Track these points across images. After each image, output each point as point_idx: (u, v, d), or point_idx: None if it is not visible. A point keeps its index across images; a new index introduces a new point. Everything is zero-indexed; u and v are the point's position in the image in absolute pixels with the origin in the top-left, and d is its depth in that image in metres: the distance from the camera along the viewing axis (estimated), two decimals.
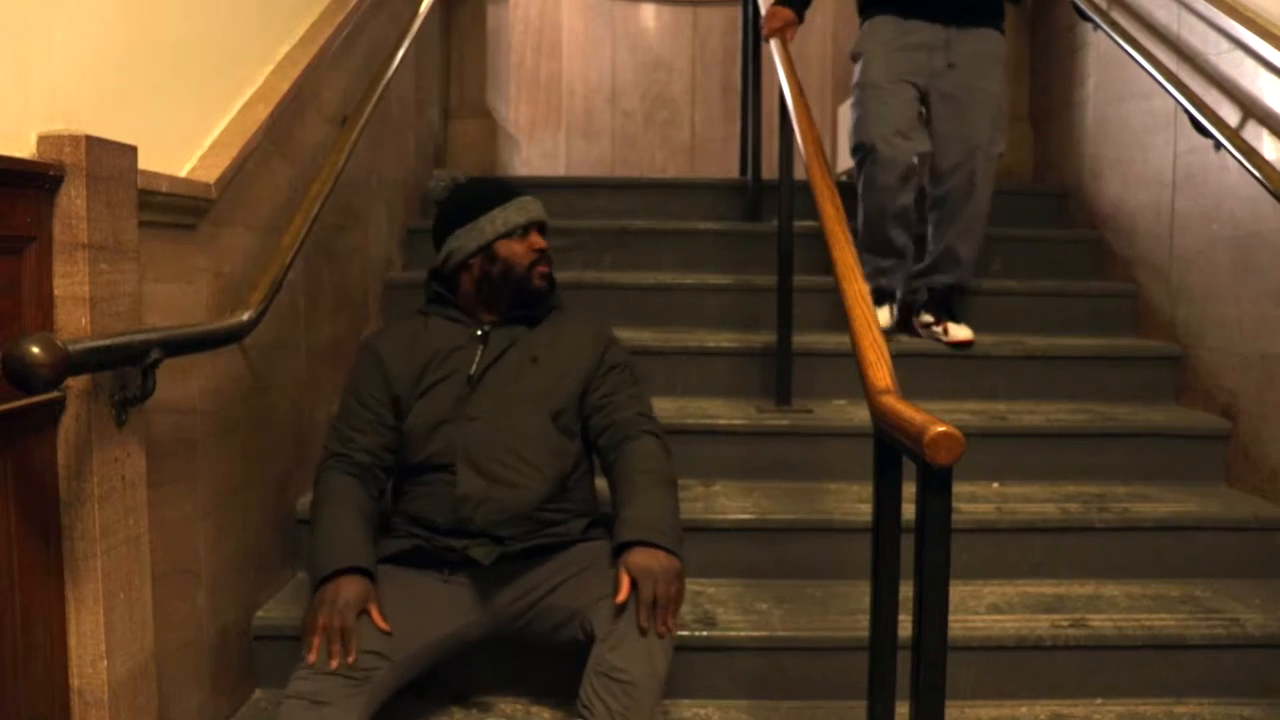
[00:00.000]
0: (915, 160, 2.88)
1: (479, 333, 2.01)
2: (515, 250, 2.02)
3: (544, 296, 2.06)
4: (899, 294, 3.06)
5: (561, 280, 3.01)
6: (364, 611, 1.73)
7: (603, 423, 2.00)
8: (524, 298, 2.03)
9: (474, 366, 1.96)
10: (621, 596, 1.73)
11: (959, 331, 2.93)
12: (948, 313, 3.00)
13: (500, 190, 2.08)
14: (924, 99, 2.93)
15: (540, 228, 2.07)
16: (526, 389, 1.96)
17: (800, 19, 3.01)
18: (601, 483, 2.06)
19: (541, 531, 1.92)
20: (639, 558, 1.76)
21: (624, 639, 1.72)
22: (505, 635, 1.95)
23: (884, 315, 2.99)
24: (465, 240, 2.02)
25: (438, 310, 2.06)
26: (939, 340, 2.94)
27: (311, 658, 1.66)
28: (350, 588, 1.73)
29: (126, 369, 1.43)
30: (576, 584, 1.86)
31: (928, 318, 3.02)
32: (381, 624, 1.71)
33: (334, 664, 1.65)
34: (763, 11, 3.17)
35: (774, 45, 2.87)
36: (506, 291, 2.02)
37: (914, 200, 2.94)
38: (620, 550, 1.80)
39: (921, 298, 3.06)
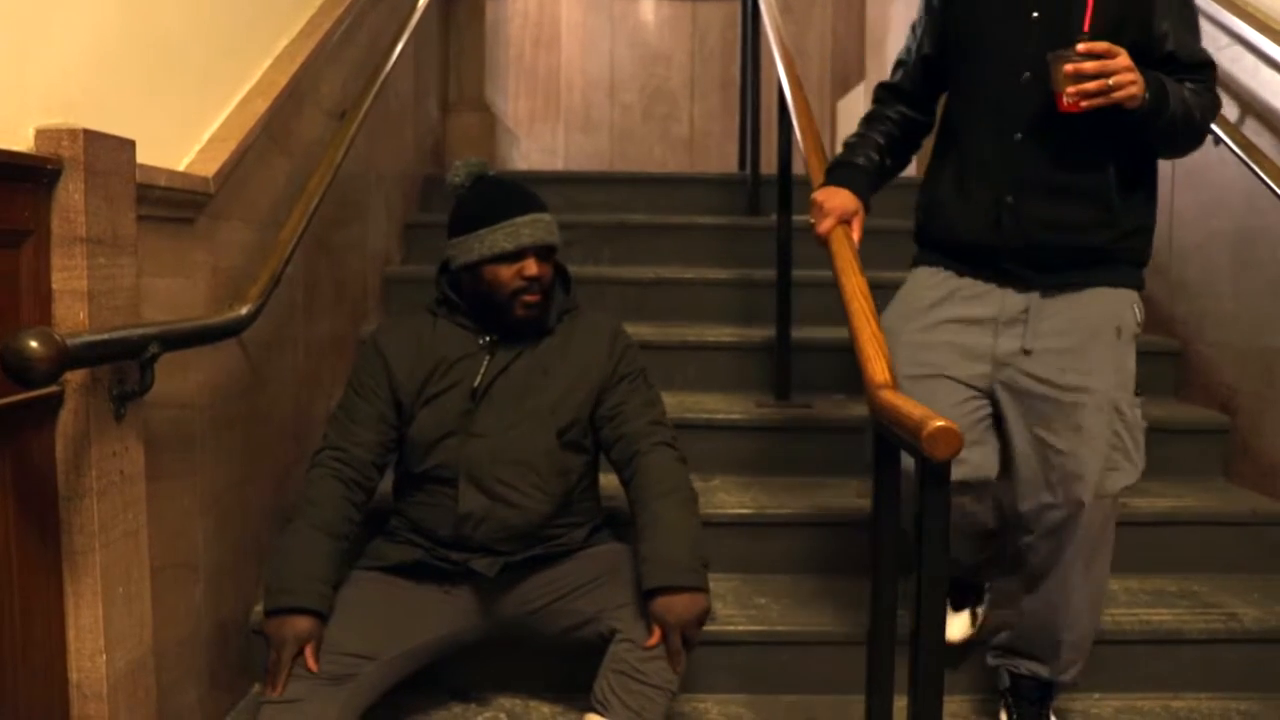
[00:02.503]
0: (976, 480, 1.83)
1: (486, 340, 1.93)
2: (500, 276, 1.88)
3: (530, 325, 1.93)
4: (983, 593, 2.10)
5: None
6: (306, 647, 1.71)
7: (613, 435, 1.94)
8: (508, 325, 1.92)
9: (479, 379, 1.90)
10: (652, 642, 1.75)
11: None
12: (1037, 715, 1.94)
13: (498, 206, 1.91)
14: (992, 400, 1.85)
15: (540, 252, 1.90)
16: (533, 404, 1.90)
17: (868, 206, 1.99)
18: (615, 481, 2.05)
19: (544, 543, 1.91)
20: (663, 607, 1.75)
21: (649, 648, 1.75)
22: (505, 636, 1.96)
23: (959, 624, 2.03)
24: (457, 254, 1.93)
25: (446, 314, 1.97)
26: None
27: (278, 692, 1.67)
28: (293, 626, 1.71)
29: (125, 363, 1.43)
30: (596, 589, 1.86)
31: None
32: (312, 665, 1.68)
33: (278, 692, 1.65)
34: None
35: (833, 244, 1.92)
36: (492, 315, 1.92)
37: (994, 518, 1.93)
38: (648, 595, 1.78)
39: (1001, 683, 2.00)
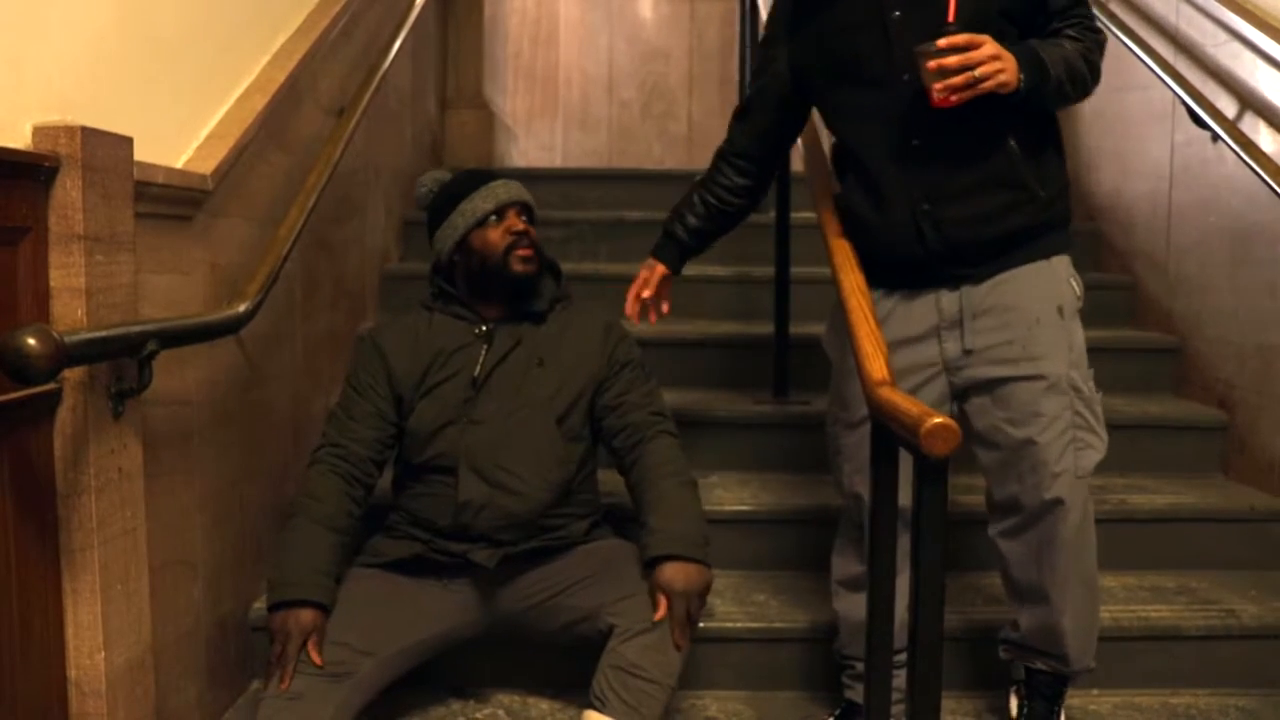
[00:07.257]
0: None
1: (482, 329, 1.96)
2: (489, 239, 1.94)
3: (530, 281, 1.97)
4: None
5: None
6: (310, 636, 1.72)
7: (617, 425, 1.96)
8: (509, 286, 1.95)
9: (478, 368, 1.92)
10: (659, 615, 1.75)
11: None
12: (1049, 711, 1.90)
13: (468, 183, 2.01)
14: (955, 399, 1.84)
15: (521, 209, 1.98)
16: (532, 393, 1.91)
17: (679, 272, 2.11)
18: (614, 478, 2.05)
19: (543, 535, 1.91)
20: (670, 574, 1.77)
21: (647, 640, 1.74)
22: (504, 632, 1.95)
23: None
24: (443, 239, 1.99)
25: (441, 306, 2.00)
26: None
27: (284, 685, 1.67)
28: (299, 619, 1.71)
29: (123, 360, 1.43)
30: (594, 585, 1.86)
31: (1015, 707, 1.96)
32: (316, 659, 1.69)
33: (284, 686, 1.66)
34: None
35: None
36: (492, 284, 1.96)
37: None
38: (651, 563, 1.80)
39: (1016, 674, 1.97)
